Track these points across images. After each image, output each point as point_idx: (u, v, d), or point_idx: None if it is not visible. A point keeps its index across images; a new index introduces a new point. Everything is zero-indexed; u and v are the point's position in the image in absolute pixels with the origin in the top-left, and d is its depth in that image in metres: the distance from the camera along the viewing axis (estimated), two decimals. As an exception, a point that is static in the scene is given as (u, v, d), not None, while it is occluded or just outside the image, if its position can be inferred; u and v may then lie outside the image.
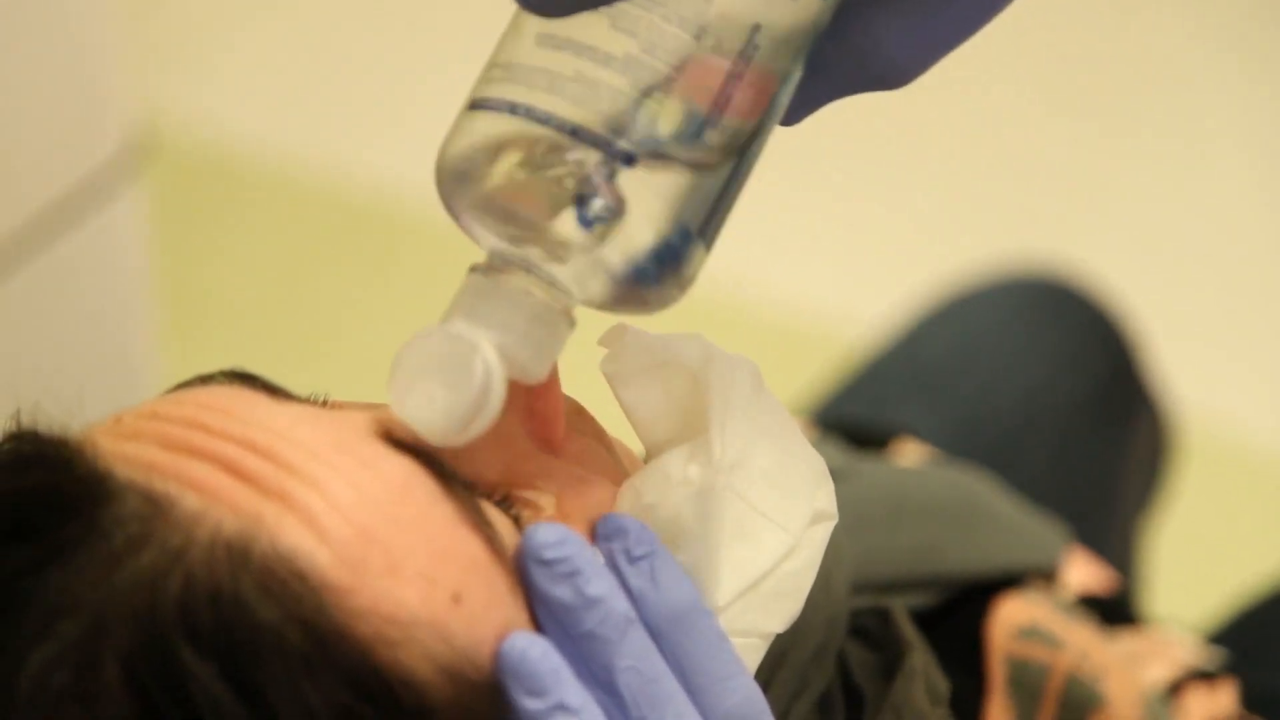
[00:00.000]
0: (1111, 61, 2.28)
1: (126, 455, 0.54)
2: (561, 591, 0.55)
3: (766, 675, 0.70)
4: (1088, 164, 2.14)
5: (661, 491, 0.58)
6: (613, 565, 0.56)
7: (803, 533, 0.60)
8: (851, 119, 2.15)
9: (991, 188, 2.10)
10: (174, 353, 1.60)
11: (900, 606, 0.80)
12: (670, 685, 0.55)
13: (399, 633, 0.53)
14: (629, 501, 0.59)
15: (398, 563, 0.53)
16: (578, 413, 0.63)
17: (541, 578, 0.55)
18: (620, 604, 0.55)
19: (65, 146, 1.25)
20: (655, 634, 0.56)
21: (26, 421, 0.56)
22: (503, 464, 0.60)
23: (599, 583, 0.55)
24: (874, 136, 2.15)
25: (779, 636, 0.69)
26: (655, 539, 0.57)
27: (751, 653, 0.59)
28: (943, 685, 0.76)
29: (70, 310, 1.31)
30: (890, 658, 0.76)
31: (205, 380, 0.59)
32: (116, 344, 1.37)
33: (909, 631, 0.78)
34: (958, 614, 0.85)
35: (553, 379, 0.61)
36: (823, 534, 0.61)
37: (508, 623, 0.55)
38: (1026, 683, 0.81)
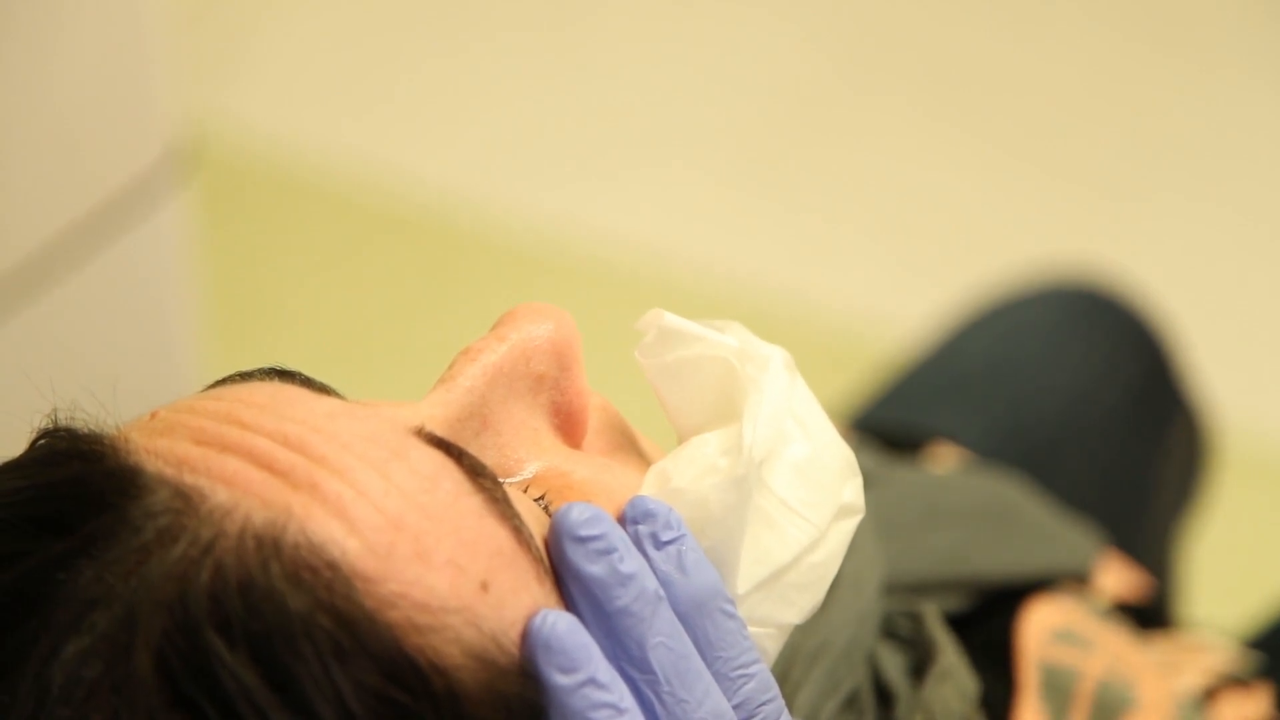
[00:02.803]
0: (1148, 65, 2.27)
1: (158, 450, 0.55)
2: (597, 568, 0.55)
3: (801, 674, 0.70)
4: (1126, 167, 2.13)
5: (690, 477, 0.59)
6: (639, 548, 0.57)
7: (828, 526, 0.60)
8: (890, 125, 2.17)
9: (1030, 192, 2.10)
10: (219, 357, 1.62)
11: (932, 608, 0.80)
12: (698, 663, 0.56)
13: (429, 619, 0.53)
14: (656, 484, 0.60)
15: (427, 550, 0.54)
16: (603, 408, 0.64)
17: (576, 555, 0.56)
18: (651, 582, 0.56)
19: (111, 153, 1.26)
20: (679, 618, 0.57)
21: (63, 419, 0.57)
22: (530, 458, 0.61)
23: (632, 560, 0.56)
24: (913, 141, 2.15)
25: (813, 636, 0.70)
26: (683, 523, 0.58)
27: (767, 642, 0.60)
28: (972, 686, 0.76)
29: (116, 315, 1.32)
30: (921, 658, 0.77)
31: (245, 376, 0.60)
32: (162, 349, 1.37)
33: (940, 633, 0.78)
34: (990, 617, 0.85)
35: (579, 375, 0.63)
36: (848, 528, 0.61)
37: (535, 607, 0.55)
38: (1058, 686, 0.81)
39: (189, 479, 0.54)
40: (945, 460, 1.04)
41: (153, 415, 0.58)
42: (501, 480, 0.59)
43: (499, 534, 0.56)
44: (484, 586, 0.55)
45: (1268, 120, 2.19)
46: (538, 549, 0.57)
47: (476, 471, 0.57)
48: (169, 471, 0.54)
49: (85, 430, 0.57)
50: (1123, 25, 2.32)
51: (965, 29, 2.30)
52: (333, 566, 0.53)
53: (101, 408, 0.58)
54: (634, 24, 2.30)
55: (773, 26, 2.30)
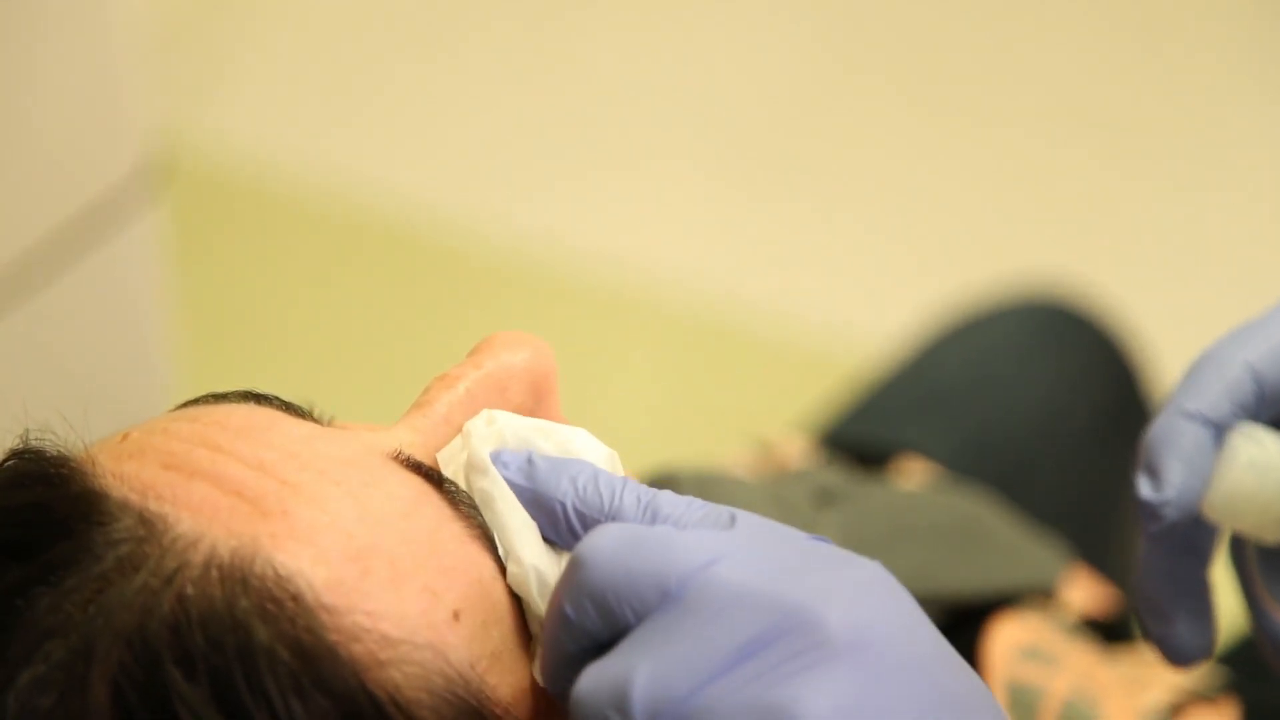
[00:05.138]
0: (1122, 79, 2.28)
1: (125, 474, 0.55)
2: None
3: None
4: (1098, 183, 2.13)
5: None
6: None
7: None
8: (862, 139, 2.17)
9: (1001, 207, 2.10)
10: (193, 373, 1.61)
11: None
12: None
13: (394, 652, 0.53)
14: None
15: (402, 575, 0.54)
16: None
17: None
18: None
19: (83, 166, 1.25)
20: None
21: (34, 440, 0.57)
22: None
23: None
24: (884, 156, 2.15)
25: None
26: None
27: None
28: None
29: (89, 331, 1.31)
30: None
31: (219, 398, 0.59)
32: (136, 365, 1.37)
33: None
34: (956, 635, 0.85)
35: (554, 406, 0.62)
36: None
37: (503, 644, 0.55)
38: (1024, 705, 0.81)
39: (153, 506, 0.54)
40: (915, 475, 1.04)
41: (124, 436, 0.57)
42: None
43: (481, 562, 0.56)
44: (455, 616, 0.54)
45: (1244, 136, 2.20)
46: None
47: (458, 501, 0.57)
48: (133, 498, 0.54)
49: (53, 452, 0.56)
50: (1098, 38, 2.32)
51: (941, 44, 2.30)
52: (297, 598, 0.52)
53: (73, 428, 0.57)
54: (615, 39, 2.30)
55: (749, 42, 2.30)
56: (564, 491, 0.56)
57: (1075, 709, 0.81)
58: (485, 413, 0.59)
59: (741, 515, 0.54)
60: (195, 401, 0.60)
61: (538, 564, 0.56)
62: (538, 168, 2.12)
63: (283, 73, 2.23)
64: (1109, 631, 0.96)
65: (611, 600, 0.51)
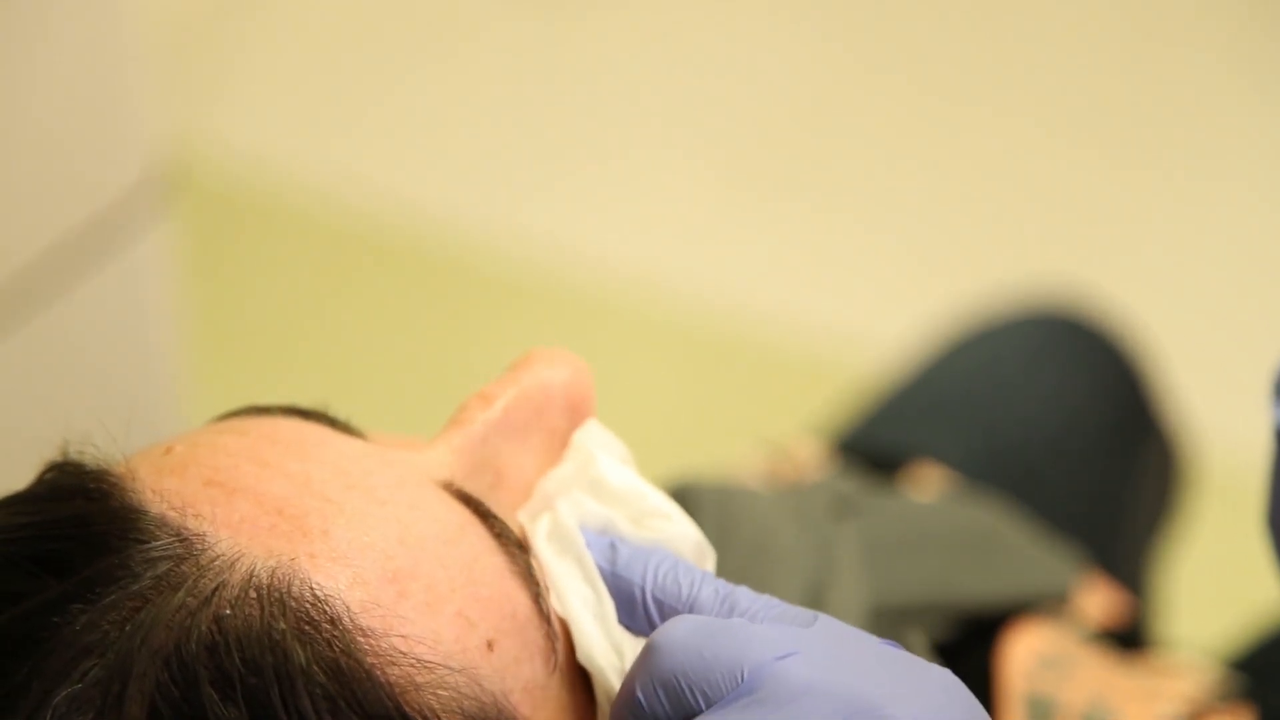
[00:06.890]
0: (1128, 87, 2.28)
1: (165, 490, 0.54)
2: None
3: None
4: (1105, 189, 2.13)
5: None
6: None
7: None
8: (872, 146, 2.17)
9: (1008, 213, 2.10)
10: (204, 387, 1.61)
11: (919, 638, 0.81)
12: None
13: (429, 675, 0.53)
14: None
15: (438, 599, 0.54)
16: None
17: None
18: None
19: (90, 176, 1.25)
20: None
21: (73, 453, 0.56)
22: None
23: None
24: (891, 162, 2.15)
25: None
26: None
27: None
28: None
29: (98, 344, 1.31)
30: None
31: (263, 411, 0.59)
32: (145, 379, 1.36)
33: (924, 664, 0.78)
34: (972, 645, 0.85)
35: None
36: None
37: (534, 679, 0.56)
38: (1042, 714, 0.82)
39: (192, 524, 0.53)
40: (929, 480, 1.04)
41: (168, 449, 0.57)
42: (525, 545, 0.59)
43: (517, 597, 0.56)
44: (490, 646, 0.55)
45: (1249, 141, 2.20)
46: (555, 626, 0.57)
47: (502, 534, 0.57)
48: (172, 515, 0.54)
49: (93, 466, 0.56)
50: (1103, 44, 2.32)
51: (944, 48, 2.31)
52: (334, 621, 0.52)
53: (114, 440, 0.57)
54: (621, 42, 2.30)
55: (757, 48, 2.30)
56: (644, 578, 0.57)
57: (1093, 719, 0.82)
58: (575, 494, 0.60)
59: (824, 618, 0.54)
60: (237, 413, 0.60)
61: (618, 644, 0.57)
62: (547, 175, 2.12)
63: (292, 81, 2.23)
64: (1124, 639, 0.96)
65: (683, 686, 0.52)
